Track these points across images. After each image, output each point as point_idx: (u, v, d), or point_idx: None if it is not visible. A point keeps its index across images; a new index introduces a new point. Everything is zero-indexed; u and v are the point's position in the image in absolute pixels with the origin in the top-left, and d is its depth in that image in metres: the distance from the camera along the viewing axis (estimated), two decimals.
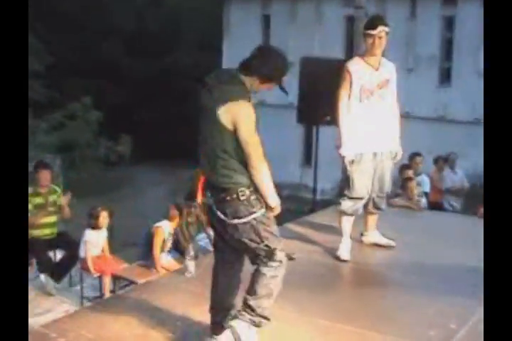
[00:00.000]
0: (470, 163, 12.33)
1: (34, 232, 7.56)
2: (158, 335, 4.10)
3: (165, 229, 7.27)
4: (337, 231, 5.94)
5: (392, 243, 6.00)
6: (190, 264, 5.30)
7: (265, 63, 3.68)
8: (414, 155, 9.72)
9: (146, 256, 7.38)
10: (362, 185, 5.58)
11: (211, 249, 5.20)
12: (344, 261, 5.60)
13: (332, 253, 5.73)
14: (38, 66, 21.34)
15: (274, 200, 3.74)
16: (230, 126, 3.59)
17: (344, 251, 5.67)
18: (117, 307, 4.66)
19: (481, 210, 7.14)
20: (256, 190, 3.68)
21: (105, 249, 7.68)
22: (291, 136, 19.13)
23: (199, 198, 5.87)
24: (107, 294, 7.24)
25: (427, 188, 9.78)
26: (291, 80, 5.48)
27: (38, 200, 7.62)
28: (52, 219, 7.75)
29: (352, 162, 5.50)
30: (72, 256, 7.63)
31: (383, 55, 5.58)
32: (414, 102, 16.14)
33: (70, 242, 7.77)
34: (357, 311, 4.61)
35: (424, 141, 14.91)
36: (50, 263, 7.74)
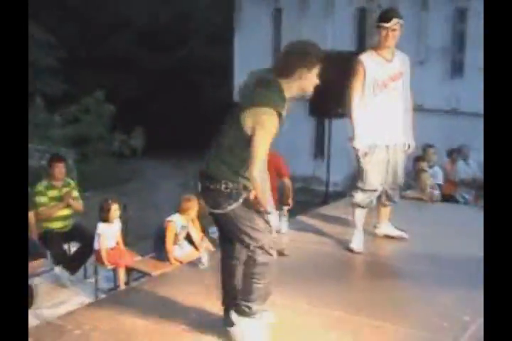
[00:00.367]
0: (482, 154, 12.24)
1: (49, 225, 7.66)
2: (172, 327, 4.13)
3: (177, 222, 7.28)
4: (349, 223, 5.96)
5: (404, 235, 6.01)
6: (204, 256, 5.33)
7: (297, 52, 3.77)
8: (427, 147, 9.73)
9: (158, 250, 7.41)
10: (375, 177, 5.58)
11: None
12: (357, 253, 5.63)
13: (344, 245, 5.74)
14: (52, 60, 21.48)
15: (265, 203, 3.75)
16: (247, 130, 3.63)
17: (357, 243, 5.68)
18: (131, 299, 4.71)
19: None
20: (244, 189, 3.72)
21: (119, 241, 7.71)
22: (303, 129, 19.06)
23: None
24: (122, 286, 7.27)
25: (440, 180, 9.77)
26: None
27: (53, 193, 7.70)
28: (67, 211, 7.82)
29: (365, 154, 5.51)
30: (87, 248, 7.69)
31: (396, 47, 5.58)
32: (427, 94, 16.06)
33: (84, 235, 7.82)
34: (369, 303, 4.62)
35: (437, 133, 14.84)
36: (65, 256, 7.82)
